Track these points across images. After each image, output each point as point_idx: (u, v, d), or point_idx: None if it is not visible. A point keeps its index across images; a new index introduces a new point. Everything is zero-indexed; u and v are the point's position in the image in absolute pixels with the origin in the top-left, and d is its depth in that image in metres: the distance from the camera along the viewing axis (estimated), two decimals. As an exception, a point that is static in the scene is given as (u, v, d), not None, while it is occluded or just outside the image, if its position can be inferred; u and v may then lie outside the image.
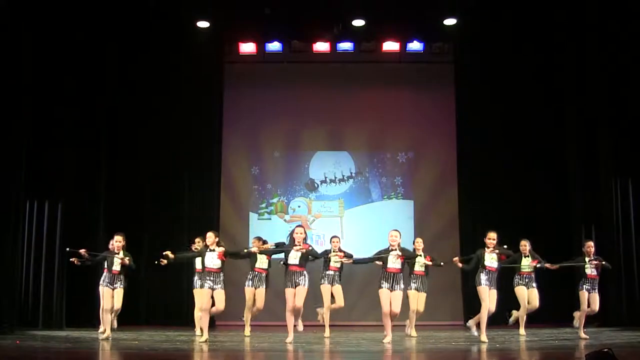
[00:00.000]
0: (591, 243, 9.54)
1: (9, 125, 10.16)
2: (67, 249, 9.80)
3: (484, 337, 8.80)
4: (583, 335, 9.22)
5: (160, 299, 12.44)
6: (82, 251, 9.61)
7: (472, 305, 11.87)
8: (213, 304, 8.88)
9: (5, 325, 9.72)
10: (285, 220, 13.41)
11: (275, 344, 8.93)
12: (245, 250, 9.39)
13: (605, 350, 4.65)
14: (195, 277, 10.08)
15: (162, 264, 9.44)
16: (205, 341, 8.74)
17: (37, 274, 10.79)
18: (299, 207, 13.48)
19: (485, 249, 8.91)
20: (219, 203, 12.97)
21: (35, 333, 9.99)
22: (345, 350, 8.36)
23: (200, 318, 9.12)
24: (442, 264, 10.04)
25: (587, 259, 9.40)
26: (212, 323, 10.58)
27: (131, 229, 10.11)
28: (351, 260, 9.34)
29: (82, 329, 10.80)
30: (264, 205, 13.48)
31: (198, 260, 10.07)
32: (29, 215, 10.84)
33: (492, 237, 8.91)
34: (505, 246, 9.14)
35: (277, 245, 9.44)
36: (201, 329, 9.13)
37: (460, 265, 9.49)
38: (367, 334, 10.08)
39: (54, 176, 11.04)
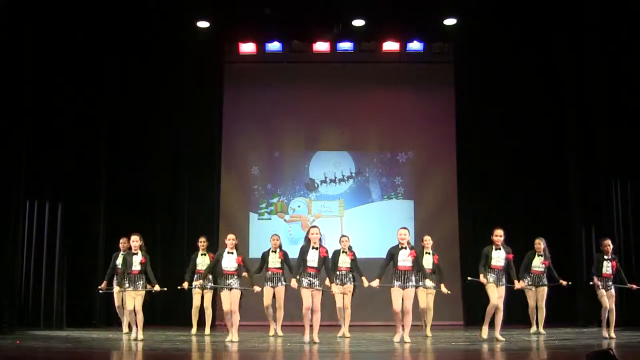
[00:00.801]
0: (609, 241, 9.46)
1: (9, 125, 10.16)
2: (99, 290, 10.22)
3: (484, 335, 8.81)
4: (605, 334, 9.20)
5: (160, 299, 12.42)
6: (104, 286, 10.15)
7: (472, 305, 11.91)
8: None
9: (5, 325, 9.72)
10: (285, 220, 13.41)
11: (274, 343, 8.93)
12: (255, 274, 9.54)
13: (606, 350, 4.63)
14: (195, 277, 10.10)
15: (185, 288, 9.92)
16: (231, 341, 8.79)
17: (37, 274, 10.78)
18: (299, 207, 13.48)
19: (492, 246, 8.93)
20: (219, 203, 12.97)
21: (36, 333, 9.99)
22: (345, 350, 8.36)
23: (227, 319, 9.04)
24: (442, 288, 9.90)
25: (605, 257, 9.38)
26: (212, 323, 10.59)
27: (131, 229, 10.07)
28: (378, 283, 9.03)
29: (82, 329, 10.81)
30: (264, 205, 13.47)
31: (200, 262, 10.12)
32: (29, 215, 10.82)
33: (498, 234, 8.95)
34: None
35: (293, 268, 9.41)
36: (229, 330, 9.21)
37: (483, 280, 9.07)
38: (367, 334, 10.08)
39: (54, 176, 11.04)
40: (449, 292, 10.01)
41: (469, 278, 9.69)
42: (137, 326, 9.17)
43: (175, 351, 8.10)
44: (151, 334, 9.93)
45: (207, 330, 10.29)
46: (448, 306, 12.28)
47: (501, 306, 8.93)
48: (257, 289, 9.00)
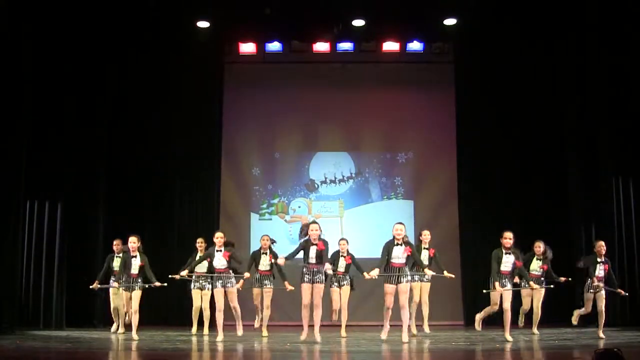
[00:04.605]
0: (602, 243, 9.48)
1: (10, 125, 10.17)
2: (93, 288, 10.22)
3: (478, 327, 8.82)
4: (601, 334, 9.23)
5: (160, 299, 12.41)
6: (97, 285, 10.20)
7: (473, 305, 11.87)
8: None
9: (5, 325, 9.72)
10: (285, 221, 13.41)
11: (274, 343, 8.93)
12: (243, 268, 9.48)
13: (615, 350, 4.58)
14: (194, 278, 10.11)
15: (176, 278, 9.74)
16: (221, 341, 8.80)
17: (37, 274, 10.80)
18: (299, 207, 13.48)
19: (502, 250, 8.86)
20: (219, 203, 12.96)
21: (35, 333, 9.99)
22: (344, 350, 8.35)
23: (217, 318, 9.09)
24: (445, 274, 9.78)
25: (598, 259, 9.37)
26: (212, 323, 10.59)
27: (131, 229, 10.10)
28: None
29: (82, 329, 10.81)
30: (264, 205, 13.47)
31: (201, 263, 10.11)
32: (29, 215, 10.84)
33: (508, 237, 8.82)
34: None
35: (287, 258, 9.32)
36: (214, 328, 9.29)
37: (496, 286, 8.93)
38: (367, 334, 10.07)
39: (54, 176, 11.05)
40: (453, 275, 9.92)
41: (484, 291, 9.29)
42: (132, 325, 9.27)
43: (175, 351, 8.10)
44: (151, 334, 9.94)
45: (206, 330, 10.34)
46: (448, 306, 12.30)
47: (509, 307, 8.85)
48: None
